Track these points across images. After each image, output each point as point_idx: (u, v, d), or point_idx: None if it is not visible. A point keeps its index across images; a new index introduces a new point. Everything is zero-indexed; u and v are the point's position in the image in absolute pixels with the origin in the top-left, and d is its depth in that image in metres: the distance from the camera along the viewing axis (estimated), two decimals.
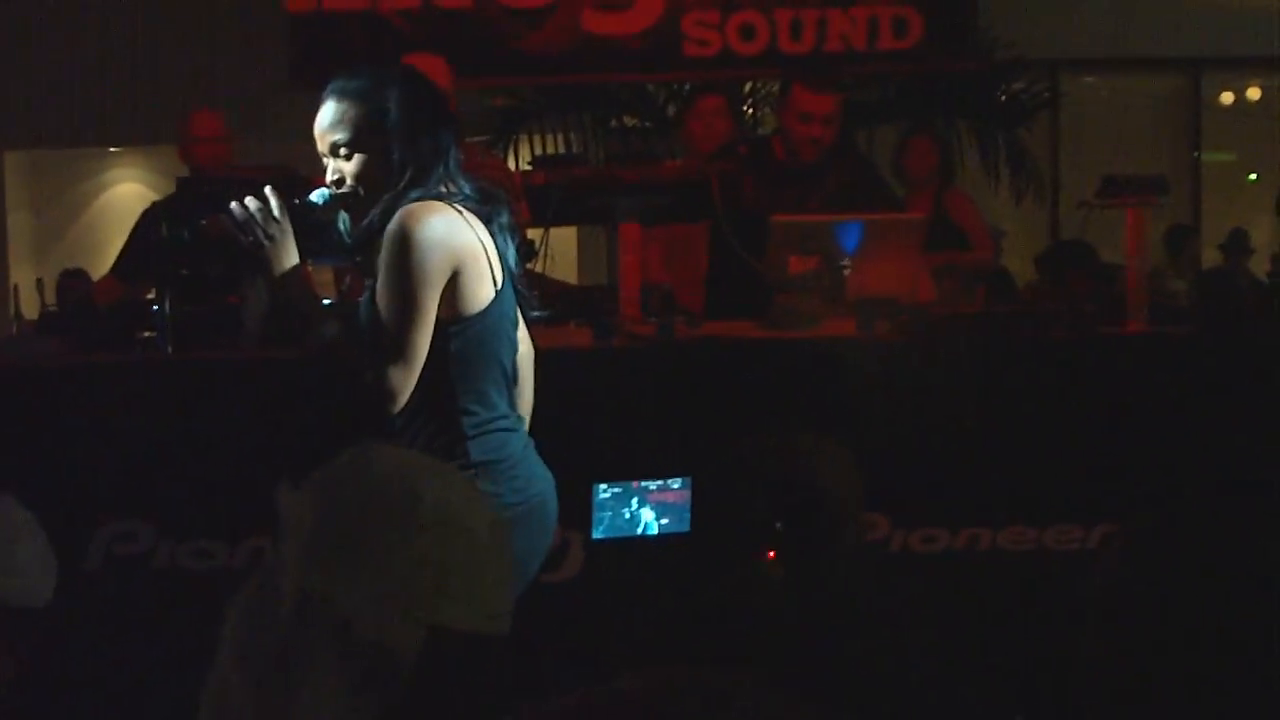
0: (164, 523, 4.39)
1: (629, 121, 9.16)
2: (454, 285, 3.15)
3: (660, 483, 2.23)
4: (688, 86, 7.46)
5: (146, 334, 4.62)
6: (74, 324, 4.98)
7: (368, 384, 3.14)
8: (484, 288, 3.19)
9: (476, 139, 8.70)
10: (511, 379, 3.32)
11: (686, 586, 2.49)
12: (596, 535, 2.21)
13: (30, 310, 5.60)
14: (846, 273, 4.66)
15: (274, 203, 3.21)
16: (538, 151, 9.19)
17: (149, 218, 5.79)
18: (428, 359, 3.14)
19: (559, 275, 6.52)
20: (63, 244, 11.88)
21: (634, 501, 2.26)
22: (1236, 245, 10.08)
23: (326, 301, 4.85)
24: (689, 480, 2.25)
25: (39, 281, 6.13)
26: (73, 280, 8.07)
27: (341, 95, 3.20)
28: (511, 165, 8.76)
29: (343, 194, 3.23)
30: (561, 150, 8.95)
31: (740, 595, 2.44)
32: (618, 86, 8.82)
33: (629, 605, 2.68)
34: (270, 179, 4.90)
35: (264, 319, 4.61)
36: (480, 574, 1.79)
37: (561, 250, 7.41)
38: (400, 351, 3.11)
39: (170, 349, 4.48)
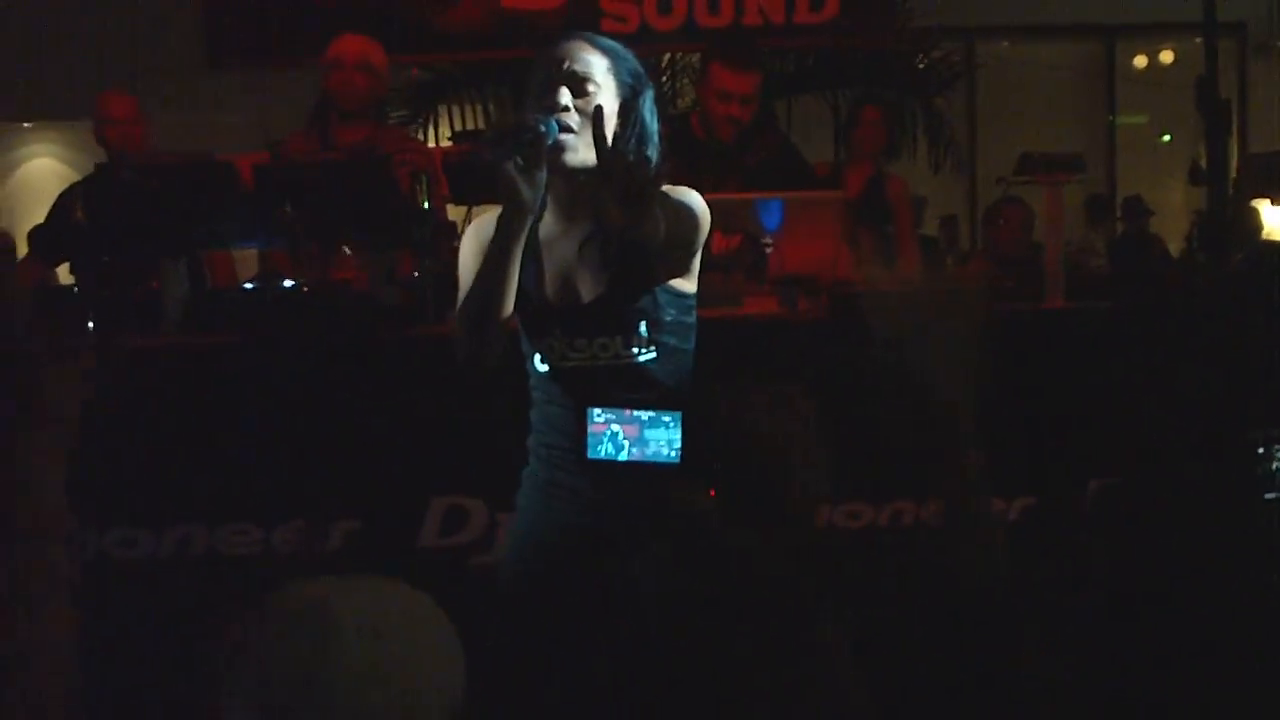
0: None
1: None
2: None
3: (653, 414, 2.54)
4: None
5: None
6: None
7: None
8: None
9: (394, 114, 8.67)
10: None
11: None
12: (591, 456, 2.61)
13: None
14: (769, 251, 4.67)
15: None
16: (457, 126, 9.14)
17: (67, 200, 5.74)
18: None
19: None
20: None
21: (623, 429, 2.61)
22: (1134, 210, 10.24)
23: (248, 286, 4.83)
24: (679, 415, 2.58)
25: None
26: None
27: (601, 50, 3.01)
28: (431, 141, 8.72)
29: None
30: (481, 125, 8.92)
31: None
32: None
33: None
34: (189, 165, 4.91)
35: (184, 304, 4.58)
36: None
37: None
38: None
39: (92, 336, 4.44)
